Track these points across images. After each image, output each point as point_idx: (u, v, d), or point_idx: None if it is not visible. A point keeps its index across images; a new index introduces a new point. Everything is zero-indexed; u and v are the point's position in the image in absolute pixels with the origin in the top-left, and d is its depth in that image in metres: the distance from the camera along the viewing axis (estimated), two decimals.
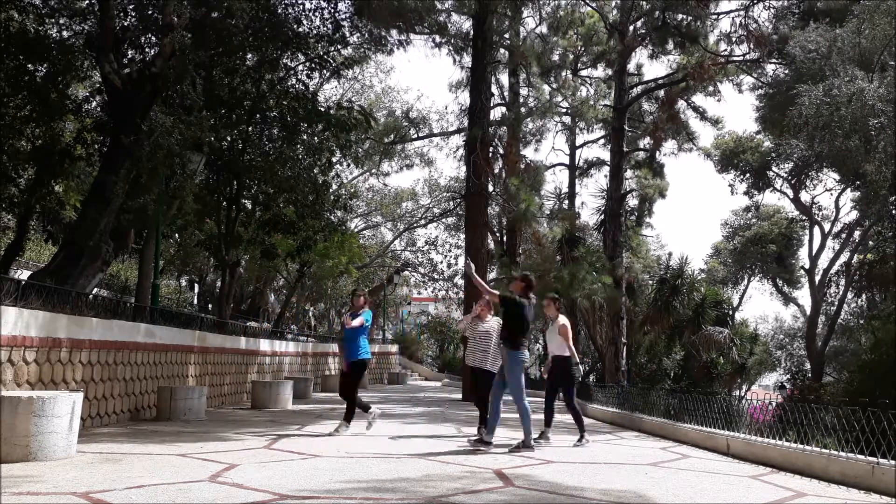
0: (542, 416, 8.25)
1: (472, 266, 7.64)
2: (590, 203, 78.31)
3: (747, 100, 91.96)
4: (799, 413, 6.25)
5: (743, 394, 20.52)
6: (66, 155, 11.63)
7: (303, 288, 26.92)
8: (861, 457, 5.27)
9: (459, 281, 32.60)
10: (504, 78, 24.61)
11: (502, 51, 20.81)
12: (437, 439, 7.94)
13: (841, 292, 28.14)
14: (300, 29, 13.38)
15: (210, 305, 26.85)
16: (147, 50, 11.96)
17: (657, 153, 27.72)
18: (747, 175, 27.66)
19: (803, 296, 35.87)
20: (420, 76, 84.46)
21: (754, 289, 42.38)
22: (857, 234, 26.94)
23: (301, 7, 13.58)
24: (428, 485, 4.85)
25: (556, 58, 22.32)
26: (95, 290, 11.74)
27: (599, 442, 8.37)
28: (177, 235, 20.14)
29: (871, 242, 24.42)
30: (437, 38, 19.51)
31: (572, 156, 31.69)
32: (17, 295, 7.54)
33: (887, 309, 19.08)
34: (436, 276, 36.69)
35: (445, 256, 35.67)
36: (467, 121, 19.78)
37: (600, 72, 27.22)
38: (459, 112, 25.99)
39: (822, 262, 28.92)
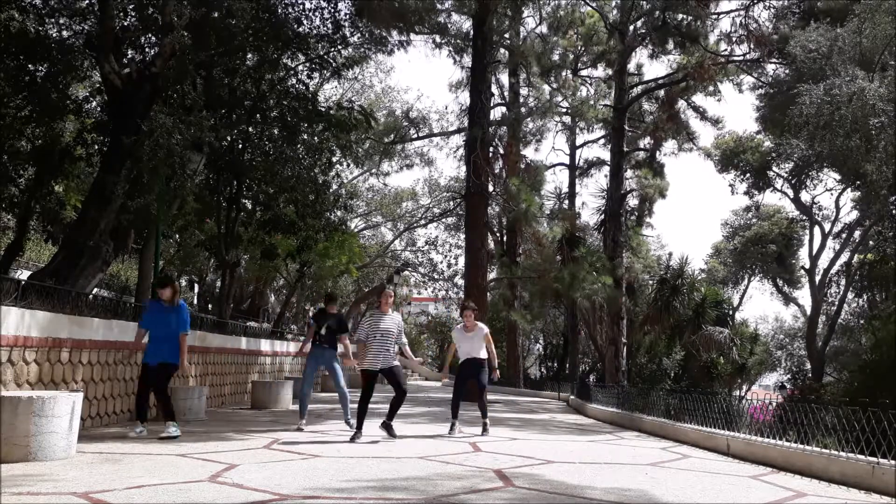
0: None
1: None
2: (590, 203, 78.56)
3: (747, 100, 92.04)
4: (799, 413, 6.24)
5: (743, 394, 20.51)
6: (66, 155, 11.63)
7: (303, 288, 26.88)
8: (861, 457, 5.26)
9: (459, 281, 32.60)
10: (504, 78, 24.67)
11: (502, 51, 20.82)
12: (439, 439, 7.93)
13: (841, 292, 28.15)
14: (300, 29, 13.38)
15: (210, 305, 26.83)
16: (147, 50, 11.95)
17: (657, 153, 27.77)
18: (747, 175, 27.66)
19: (803, 296, 35.94)
20: (420, 76, 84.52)
21: (754, 289, 42.47)
22: (857, 234, 26.94)
23: (301, 7, 13.59)
24: (430, 484, 4.85)
25: (556, 58, 22.32)
26: (95, 290, 11.74)
27: (600, 442, 8.37)
28: (177, 235, 20.12)
29: (871, 242, 24.44)
30: (438, 39, 19.55)
31: (572, 156, 31.74)
32: (18, 295, 7.54)
33: (887, 309, 19.08)
34: (436, 276, 36.68)
35: (445, 256, 35.68)
36: (467, 121, 19.80)
37: (600, 72, 27.29)
38: (459, 112, 26.05)
39: (823, 262, 28.95)
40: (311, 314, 9.61)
